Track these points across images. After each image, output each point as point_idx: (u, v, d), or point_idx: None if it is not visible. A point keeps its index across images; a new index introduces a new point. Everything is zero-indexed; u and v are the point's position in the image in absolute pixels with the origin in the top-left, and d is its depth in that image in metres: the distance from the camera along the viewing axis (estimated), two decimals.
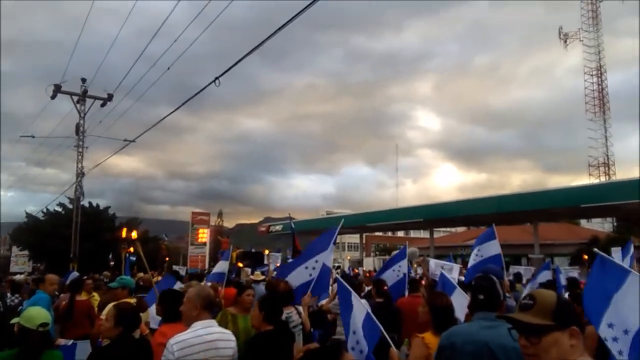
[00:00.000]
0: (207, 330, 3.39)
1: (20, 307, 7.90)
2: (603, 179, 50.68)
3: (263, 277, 10.81)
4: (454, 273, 8.31)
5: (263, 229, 45.69)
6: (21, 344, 3.51)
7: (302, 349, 4.68)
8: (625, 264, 10.71)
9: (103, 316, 4.67)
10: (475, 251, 8.35)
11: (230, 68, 9.38)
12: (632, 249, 11.41)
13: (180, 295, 4.01)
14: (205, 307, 3.50)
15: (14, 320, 3.72)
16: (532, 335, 1.83)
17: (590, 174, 54.96)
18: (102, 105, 25.17)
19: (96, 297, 8.88)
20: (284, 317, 4.88)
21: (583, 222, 44.24)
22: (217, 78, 9.59)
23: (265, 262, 22.03)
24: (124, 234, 12.65)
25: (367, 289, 8.58)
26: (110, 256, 24.51)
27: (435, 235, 36.23)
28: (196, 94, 11.42)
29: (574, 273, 12.63)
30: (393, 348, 4.01)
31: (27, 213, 36.70)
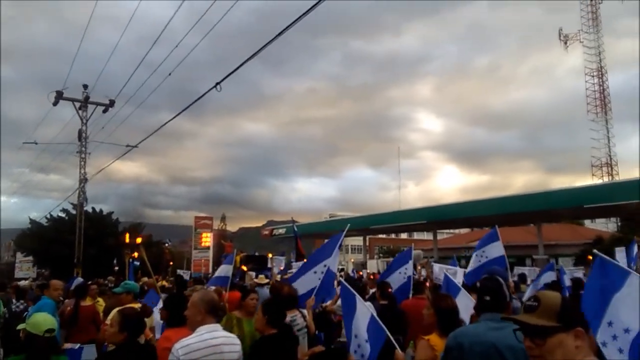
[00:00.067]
0: (212, 335, 3.39)
1: (25, 313, 7.93)
2: (606, 179, 50.55)
3: (267, 280, 10.81)
4: (458, 277, 8.28)
5: (266, 232, 45.66)
6: (27, 350, 3.53)
7: (307, 352, 4.69)
8: (630, 264, 10.72)
9: (108, 321, 4.68)
10: (479, 252, 8.34)
11: (231, 73, 9.42)
12: (636, 249, 11.39)
13: (185, 299, 4.03)
14: (210, 311, 3.51)
15: (21, 327, 3.73)
16: (537, 337, 1.83)
17: (593, 175, 54.88)
18: (104, 112, 25.27)
19: (101, 302, 8.90)
20: (288, 320, 4.89)
21: (587, 223, 44.10)
22: (218, 83, 9.63)
23: (269, 265, 22.04)
24: (127, 239, 12.67)
25: (371, 291, 8.57)
26: (115, 261, 24.55)
27: (439, 237, 36.12)
28: (197, 99, 11.45)
29: (579, 273, 12.59)
30: (398, 350, 4.01)
31: (30, 219, 36.82)
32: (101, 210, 36.44)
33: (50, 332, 3.56)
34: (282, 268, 17.25)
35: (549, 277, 10.08)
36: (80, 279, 13.27)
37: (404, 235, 60.55)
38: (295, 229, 17.56)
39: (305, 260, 15.15)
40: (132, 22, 16.84)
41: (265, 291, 8.67)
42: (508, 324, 1.97)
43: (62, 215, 34.68)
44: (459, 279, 8.17)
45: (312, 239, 44.74)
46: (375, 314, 4.30)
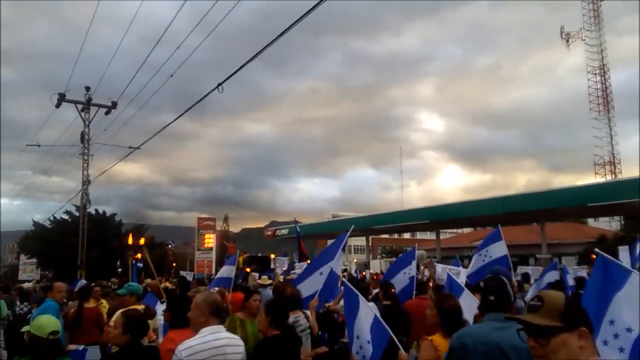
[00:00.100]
0: (216, 336, 3.39)
1: (29, 316, 7.95)
2: (609, 178, 50.41)
3: (270, 281, 10.81)
4: (461, 277, 8.27)
5: (269, 233, 45.69)
6: (32, 352, 3.54)
7: (310, 353, 4.69)
8: (634, 263, 10.68)
9: (112, 323, 4.69)
10: (482, 252, 8.32)
11: (232, 74, 9.45)
12: (639, 247, 11.34)
13: (188, 301, 4.03)
14: (213, 312, 3.51)
15: (25, 329, 3.75)
16: (541, 337, 1.83)
17: (596, 173, 54.73)
18: (107, 113, 25.33)
19: (104, 304, 8.91)
20: (291, 321, 4.89)
21: (590, 221, 43.99)
22: (220, 84, 9.65)
23: (272, 266, 22.04)
24: (130, 240, 12.68)
25: (374, 291, 8.56)
26: (118, 263, 24.59)
27: (441, 236, 36.11)
28: (199, 101, 11.49)
29: (583, 272, 12.55)
30: (402, 351, 4.01)
31: (34, 221, 36.92)
32: (104, 212, 36.53)
33: (55, 334, 3.57)
34: (285, 269, 17.24)
35: (552, 276, 10.07)
36: (83, 281, 13.31)
37: (406, 235, 60.54)
38: (298, 229, 17.59)
39: (308, 260, 15.19)
40: (134, 24, 16.92)
41: (269, 292, 8.67)
42: (512, 323, 1.97)
43: (65, 217, 34.79)
44: (462, 279, 8.17)
45: (314, 239, 44.74)
46: (378, 315, 4.30)
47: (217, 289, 7.81)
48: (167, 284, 15.51)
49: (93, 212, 32.83)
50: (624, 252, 11.87)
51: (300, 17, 7.21)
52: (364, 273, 23.04)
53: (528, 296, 8.49)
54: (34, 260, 38.20)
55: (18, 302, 9.63)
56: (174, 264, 41.99)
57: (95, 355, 5.49)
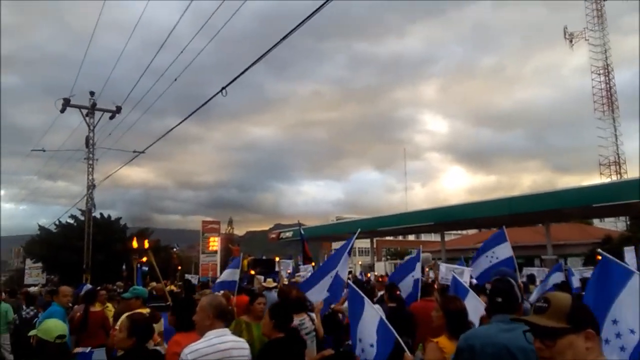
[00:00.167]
0: (221, 339, 3.40)
1: (35, 320, 7.98)
2: (614, 178, 50.18)
3: (275, 284, 10.81)
4: (465, 276, 8.28)
5: (273, 235, 45.70)
6: (39, 356, 3.55)
7: (317, 356, 4.69)
8: (639, 263, 10.61)
9: (117, 327, 4.70)
10: (489, 253, 8.31)
11: (236, 78, 9.46)
12: None
13: (193, 304, 4.04)
14: (218, 316, 3.51)
15: (32, 333, 3.77)
16: (547, 338, 1.82)
17: (601, 173, 54.48)
18: (111, 118, 25.46)
19: (110, 307, 8.94)
20: (297, 323, 4.89)
21: (596, 222, 43.79)
22: (223, 88, 9.67)
23: (277, 269, 22.04)
24: (135, 244, 12.72)
25: (379, 294, 8.55)
26: (124, 267, 24.67)
27: (446, 238, 35.99)
28: (204, 104, 11.51)
29: (588, 273, 12.48)
30: (407, 353, 4.00)
31: (39, 226, 37.15)
32: (109, 216, 36.69)
33: (62, 338, 3.59)
34: (290, 271, 17.24)
35: (558, 277, 10.03)
36: (89, 286, 13.34)
37: (411, 237, 60.37)
38: (302, 232, 17.56)
39: (313, 263, 15.20)
40: (138, 28, 16.99)
41: (274, 295, 8.67)
42: (520, 325, 1.97)
43: (71, 221, 34.94)
44: (465, 278, 8.18)
45: (319, 241, 44.72)
46: (384, 317, 4.30)
47: (221, 292, 7.83)
48: (172, 287, 15.56)
49: (98, 216, 33.02)
50: (629, 253, 11.80)
51: (303, 21, 7.22)
52: (369, 275, 22.99)
53: (532, 297, 8.47)
54: (40, 264, 38.34)
55: (24, 306, 9.66)
56: (179, 267, 41.99)
57: (101, 357, 5.52)
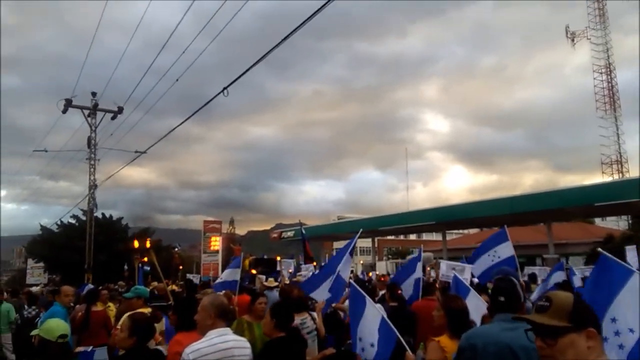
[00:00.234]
0: (223, 339, 3.40)
1: (37, 319, 7.99)
2: (616, 177, 50.09)
3: (276, 283, 10.81)
4: (466, 274, 8.29)
5: (275, 235, 45.73)
6: (41, 355, 3.56)
7: (318, 356, 4.69)
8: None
9: (119, 326, 4.71)
10: (491, 252, 8.31)
11: (237, 78, 9.47)
12: None
13: (195, 303, 4.04)
14: (220, 315, 3.52)
15: (34, 332, 3.78)
16: (548, 337, 1.82)
17: (603, 172, 54.40)
18: (113, 118, 25.49)
19: (112, 307, 8.95)
20: (298, 323, 4.89)
21: (597, 221, 43.72)
22: (225, 88, 9.68)
23: (278, 268, 22.04)
24: (136, 244, 12.75)
25: (380, 293, 8.56)
26: (125, 267, 24.72)
27: (448, 237, 35.98)
28: (205, 104, 11.50)
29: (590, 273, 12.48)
30: (409, 352, 4.00)
31: (41, 226, 37.18)
32: (111, 216, 36.74)
33: (63, 337, 3.59)
34: (291, 271, 17.24)
35: (559, 276, 10.02)
36: (90, 286, 13.37)
37: (412, 237, 60.35)
38: (304, 231, 17.57)
39: (314, 263, 15.21)
40: (139, 29, 16.99)
41: (275, 294, 8.67)
42: (522, 324, 1.97)
43: (72, 221, 34.99)
44: (466, 275, 8.19)
45: (320, 241, 44.70)
46: (385, 316, 4.30)
47: (223, 292, 7.83)
48: (174, 287, 15.57)
49: (100, 216, 33.05)
50: (631, 252, 11.78)
51: (304, 21, 7.22)
52: (370, 274, 23.00)
53: (534, 296, 8.46)
54: (42, 264, 38.45)
55: (26, 306, 9.69)
56: (181, 267, 42.09)
57: (103, 356, 5.54)
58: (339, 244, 53.26)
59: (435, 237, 49.84)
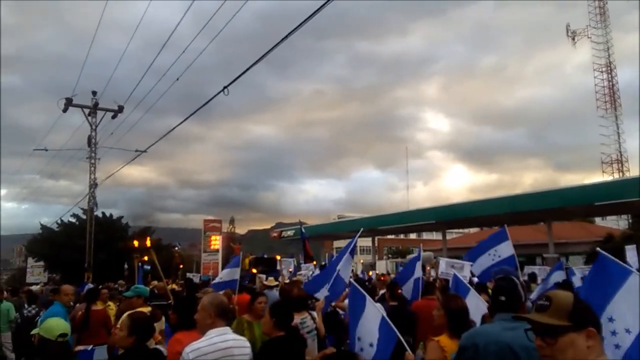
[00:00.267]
0: (222, 338, 3.40)
1: (37, 318, 7.99)
2: (616, 176, 50.06)
3: (276, 283, 10.81)
4: (465, 271, 8.30)
5: (275, 234, 45.73)
6: (41, 354, 3.56)
7: (319, 355, 4.69)
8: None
9: (119, 325, 4.71)
10: (491, 251, 8.31)
11: (238, 77, 9.46)
12: None
13: (195, 302, 4.04)
14: (220, 314, 3.51)
15: (34, 331, 3.78)
16: (548, 336, 1.82)
17: (603, 171, 54.37)
18: (113, 117, 25.49)
19: (112, 306, 8.96)
20: (298, 322, 4.89)
21: (598, 220, 43.71)
22: (225, 87, 9.67)
23: (278, 267, 22.05)
24: (136, 243, 12.76)
25: (380, 292, 8.56)
26: (125, 266, 24.74)
27: (448, 236, 35.95)
28: (205, 104, 11.52)
29: None
30: (408, 352, 4.00)
31: (41, 224, 37.24)
32: (111, 215, 36.77)
33: (63, 336, 3.59)
34: (291, 270, 17.25)
35: (559, 276, 10.01)
36: (90, 285, 13.38)
37: (413, 236, 60.36)
38: (303, 230, 17.56)
39: (314, 262, 15.20)
40: (140, 28, 16.99)
41: (275, 293, 8.67)
42: (523, 324, 1.97)
43: (73, 220, 35.02)
44: (465, 273, 8.20)
45: (320, 240, 44.71)
46: (385, 316, 4.29)
47: (222, 291, 7.83)
48: (174, 286, 15.58)
49: (100, 215, 33.06)
50: (631, 252, 11.79)
51: (305, 20, 7.22)
52: (370, 274, 23.00)
53: (534, 296, 8.46)
54: (42, 263, 38.45)
55: (26, 305, 9.69)
56: (181, 266, 42.11)
57: (103, 355, 5.53)
58: (339, 243, 53.33)
59: (436, 236, 49.85)
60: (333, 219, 58.91)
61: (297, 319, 4.80)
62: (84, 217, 30.70)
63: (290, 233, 40.43)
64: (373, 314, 4.35)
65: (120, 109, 25.06)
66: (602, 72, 54.82)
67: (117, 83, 24.25)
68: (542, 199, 23.23)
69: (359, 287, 4.80)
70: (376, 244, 43.72)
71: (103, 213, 35.05)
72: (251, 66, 8.92)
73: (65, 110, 24.84)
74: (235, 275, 8.76)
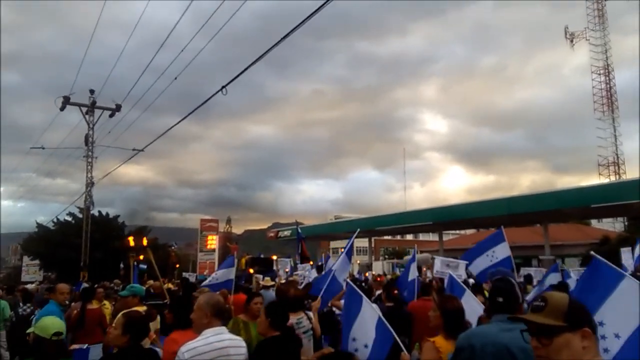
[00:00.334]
0: (218, 337, 3.39)
1: (32, 317, 7.96)
2: (613, 179, 50.24)
3: (272, 283, 10.81)
4: (460, 270, 8.31)
5: (272, 234, 45.73)
6: (35, 353, 3.55)
7: (316, 354, 4.68)
8: (635, 263, 10.61)
9: (114, 324, 4.70)
10: (489, 252, 8.32)
11: (236, 77, 9.44)
12: (638, 247, 11.27)
13: (191, 302, 4.03)
14: (216, 314, 3.51)
15: (30, 330, 3.76)
16: (544, 336, 1.82)
17: (600, 174, 54.56)
18: (111, 116, 25.47)
19: (107, 305, 8.93)
20: (294, 322, 4.88)
21: (594, 222, 43.85)
22: (224, 87, 9.65)
23: (275, 267, 22.06)
24: (132, 242, 12.71)
25: (377, 293, 8.57)
26: (121, 265, 24.69)
27: (445, 238, 36.05)
28: (204, 103, 11.48)
29: None
30: (404, 352, 4.00)
31: (37, 223, 37.11)
32: (107, 214, 36.67)
33: (58, 335, 3.58)
34: (287, 270, 17.25)
35: (555, 278, 10.03)
36: (86, 285, 13.34)
37: (409, 237, 60.42)
38: (300, 231, 17.56)
39: (311, 262, 15.20)
40: (138, 27, 16.97)
41: (271, 293, 8.67)
42: (520, 325, 1.97)
43: (69, 219, 34.93)
44: (461, 272, 8.21)
45: (317, 240, 44.74)
46: (381, 316, 4.29)
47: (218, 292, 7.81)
48: (170, 285, 15.56)
49: (96, 214, 32.98)
50: (626, 254, 11.82)
51: (304, 20, 7.21)
52: (367, 274, 23.03)
53: (530, 297, 8.47)
54: (37, 261, 38.35)
55: (21, 304, 9.66)
56: (177, 265, 42.09)
57: (98, 354, 5.51)
58: (336, 244, 53.35)
59: (432, 237, 49.85)
60: (330, 219, 58.93)
61: (293, 319, 4.79)
62: (80, 215, 30.63)
63: (287, 233, 40.44)
64: (370, 314, 4.34)
65: (118, 107, 25.04)
66: (599, 74, 55.08)
67: (115, 82, 24.21)
68: (539, 200, 23.32)
69: (355, 287, 4.79)
70: (373, 245, 43.77)
71: (99, 212, 35.00)
72: (250, 65, 8.91)
73: (62, 109, 24.81)
74: (230, 275, 8.74)
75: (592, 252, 3.67)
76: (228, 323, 4.91)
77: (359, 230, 9.32)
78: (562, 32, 58.28)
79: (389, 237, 55.85)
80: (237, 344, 3.53)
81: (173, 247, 47.62)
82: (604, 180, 50.18)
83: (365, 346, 4.20)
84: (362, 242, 55.25)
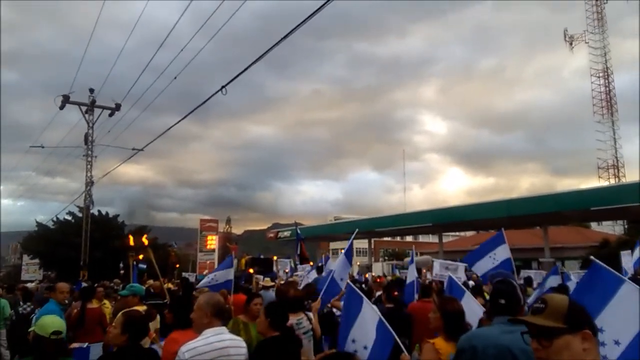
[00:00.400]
0: (218, 337, 3.39)
1: (32, 316, 7.96)
2: (613, 181, 50.22)
3: (272, 283, 10.81)
4: (459, 272, 8.31)
5: (271, 235, 45.72)
6: (35, 352, 3.55)
7: (319, 356, 4.68)
8: (635, 266, 10.60)
9: (113, 323, 4.70)
10: (491, 254, 8.32)
11: (236, 77, 9.45)
12: (638, 250, 11.25)
13: (191, 302, 4.03)
14: (216, 314, 3.51)
15: (31, 329, 3.77)
16: (544, 338, 1.83)
17: (599, 177, 54.48)
18: (110, 115, 25.46)
19: (107, 304, 8.93)
20: (294, 322, 4.88)
21: (593, 225, 43.84)
22: (223, 87, 9.66)
23: (274, 268, 22.04)
24: (131, 241, 12.72)
25: (377, 294, 8.57)
26: (121, 264, 24.67)
27: (444, 239, 36.02)
28: (203, 103, 11.50)
29: None
30: (405, 353, 4.00)
31: (37, 222, 37.08)
32: (107, 213, 36.67)
33: (57, 334, 3.58)
34: (287, 270, 17.24)
35: (555, 280, 10.04)
36: (85, 284, 13.33)
37: (409, 238, 60.42)
38: (299, 232, 17.55)
39: (311, 263, 15.20)
40: (138, 26, 16.97)
41: (271, 294, 8.67)
42: (521, 327, 1.98)
43: (69, 218, 34.93)
44: (460, 274, 8.21)
45: (317, 241, 44.75)
46: (382, 317, 4.29)
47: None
48: (170, 285, 15.55)
49: (96, 213, 32.98)
50: (626, 257, 11.81)
51: (304, 20, 7.22)
52: (367, 275, 23.02)
53: (530, 300, 8.48)
54: (37, 260, 38.33)
55: (21, 302, 9.65)
56: (177, 265, 42.05)
57: (98, 353, 5.51)
58: (335, 245, 53.32)
59: (432, 239, 49.85)
60: (330, 220, 58.90)
61: (293, 319, 4.79)
62: (80, 214, 30.62)
63: (286, 234, 40.43)
64: (370, 315, 4.34)
65: (118, 107, 25.04)
66: (599, 77, 54.99)
67: (114, 81, 24.26)
68: (539, 203, 23.32)
69: (355, 288, 4.79)
70: (372, 246, 43.75)
71: (99, 211, 35.01)
72: (250, 65, 8.92)
73: (62, 108, 24.80)
74: (229, 276, 8.73)
75: (592, 257, 3.66)
76: (228, 323, 4.92)
77: (357, 230, 9.31)
78: (562, 34, 58.29)
79: (389, 239, 55.90)
80: (237, 344, 3.53)
81: (173, 247, 47.60)
82: (603, 183, 50.14)
83: (365, 347, 4.20)
84: (361, 244, 55.22)
